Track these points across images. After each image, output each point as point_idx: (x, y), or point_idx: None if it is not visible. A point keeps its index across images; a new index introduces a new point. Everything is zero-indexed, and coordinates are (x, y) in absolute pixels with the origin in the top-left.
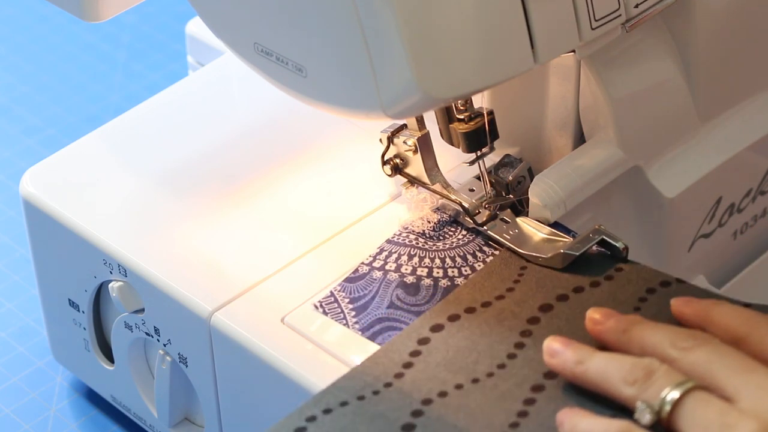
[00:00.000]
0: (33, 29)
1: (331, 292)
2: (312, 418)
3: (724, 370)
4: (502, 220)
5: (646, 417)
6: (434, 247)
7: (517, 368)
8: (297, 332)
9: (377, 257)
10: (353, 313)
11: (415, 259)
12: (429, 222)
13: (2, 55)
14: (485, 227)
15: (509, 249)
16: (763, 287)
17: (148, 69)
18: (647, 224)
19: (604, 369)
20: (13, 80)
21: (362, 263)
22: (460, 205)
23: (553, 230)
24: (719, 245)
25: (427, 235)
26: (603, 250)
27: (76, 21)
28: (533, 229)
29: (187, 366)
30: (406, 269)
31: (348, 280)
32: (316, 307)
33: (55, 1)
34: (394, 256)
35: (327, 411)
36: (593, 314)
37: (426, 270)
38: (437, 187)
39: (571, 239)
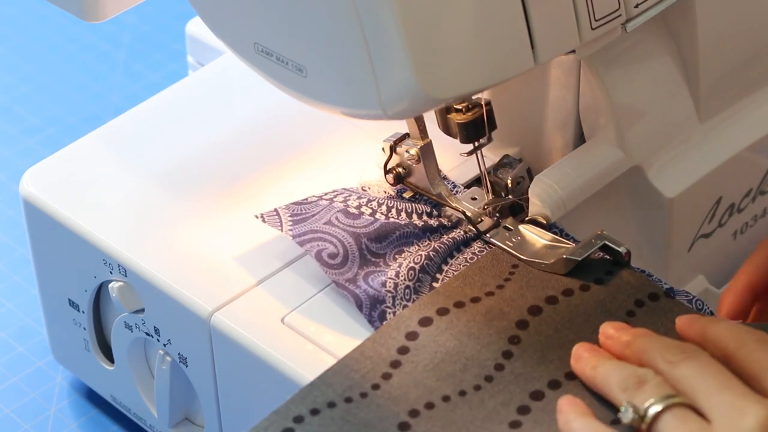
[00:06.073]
0: (33, 29)
1: (276, 210)
2: (299, 419)
3: (702, 387)
4: (505, 227)
5: (627, 416)
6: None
7: (504, 383)
8: (297, 332)
9: (329, 193)
10: (290, 223)
11: (363, 200)
12: (386, 191)
13: (2, 55)
14: (488, 235)
15: (513, 256)
16: None
17: (148, 69)
18: (647, 224)
19: (608, 374)
20: (13, 80)
21: (312, 195)
22: (463, 213)
23: (555, 236)
24: (719, 245)
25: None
26: (605, 255)
27: (76, 21)
28: (535, 236)
29: (187, 366)
30: (352, 203)
31: (294, 203)
32: (256, 217)
33: (55, 1)
34: (344, 195)
35: (314, 412)
36: (607, 329)
37: (369, 210)
38: (440, 196)
39: (573, 245)
